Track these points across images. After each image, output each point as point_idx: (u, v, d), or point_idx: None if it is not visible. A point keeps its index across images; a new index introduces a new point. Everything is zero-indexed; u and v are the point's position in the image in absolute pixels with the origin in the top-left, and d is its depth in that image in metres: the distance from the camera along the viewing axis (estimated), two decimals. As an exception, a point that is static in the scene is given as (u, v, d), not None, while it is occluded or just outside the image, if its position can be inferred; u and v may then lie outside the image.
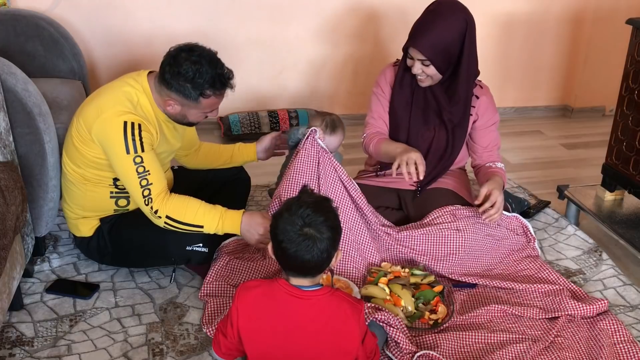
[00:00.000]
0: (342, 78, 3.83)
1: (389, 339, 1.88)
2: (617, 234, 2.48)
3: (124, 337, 1.95)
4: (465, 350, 1.89)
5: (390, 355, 1.85)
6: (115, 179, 2.10)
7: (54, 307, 2.07)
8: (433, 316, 2.02)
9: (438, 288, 2.13)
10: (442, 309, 2.04)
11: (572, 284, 2.21)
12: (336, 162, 2.24)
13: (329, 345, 1.52)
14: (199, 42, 2.02)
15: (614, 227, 2.52)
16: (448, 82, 2.33)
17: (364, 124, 2.51)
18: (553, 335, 1.95)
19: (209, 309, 2.03)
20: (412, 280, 2.15)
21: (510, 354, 1.87)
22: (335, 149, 2.36)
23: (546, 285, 2.16)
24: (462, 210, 2.33)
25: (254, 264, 2.23)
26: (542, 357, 1.87)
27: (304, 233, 1.46)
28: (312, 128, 2.21)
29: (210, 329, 1.94)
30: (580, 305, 2.04)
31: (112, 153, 1.98)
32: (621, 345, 1.91)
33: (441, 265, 2.22)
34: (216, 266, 2.19)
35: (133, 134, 1.95)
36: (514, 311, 2.05)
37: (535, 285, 2.17)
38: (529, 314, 2.04)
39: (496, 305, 2.06)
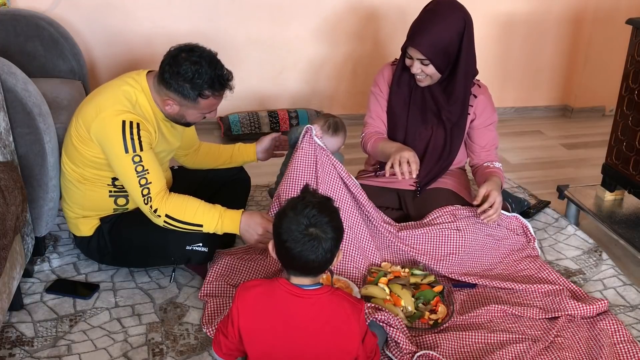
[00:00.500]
0: (342, 78, 3.84)
1: (389, 339, 1.88)
2: (617, 234, 2.48)
3: (124, 337, 1.95)
4: (465, 350, 1.89)
5: (390, 355, 1.85)
6: (114, 179, 2.10)
7: (54, 307, 2.07)
8: (433, 316, 2.02)
9: (438, 288, 2.13)
10: (442, 309, 2.04)
11: (572, 284, 2.21)
12: (335, 159, 2.24)
13: (330, 345, 1.53)
14: (199, 43, 2.02)
15: (614, 227, 2.52)
16: (446, 82, 2.33)
17: (363, 124, 2.52)
18: (553, 335, 1.95)
19: (209, 309, 2.03)
20: (412, 280, 2.15)
21: (510, 354, 1.86)
22: (335, 151, 2.36)
23: (546, 285, 2.16)
24: (462, 211, 2.33)
25: (254, 264, 2.23)
26: (542, 357, 1.87)
27: (309, 233, 1.46)
28: (308, 126, 2.22)
29: (210, 329, 1.94)
30: (580, 305, 2.04)
31: (110, 152, 1.98)
32: (621, 345, 1.91)
33: (441, 265, 2.22)
34: (216, 266, 2.19)
35: (132, 133, 1.95)
36: (514, 311, 2.05)
37: (535, 285, 2.17)
38: (529, 314, 2.04)
39: (496, 305, 2.06)
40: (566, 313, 2.04)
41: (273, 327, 1.52)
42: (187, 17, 3.47)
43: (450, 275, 2.21)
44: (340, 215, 1.55)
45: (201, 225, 2.03)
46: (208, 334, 1.94)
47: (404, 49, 2.29)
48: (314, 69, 3.78)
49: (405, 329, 1.89)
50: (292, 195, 2.08)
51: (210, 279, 2.15)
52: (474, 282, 2.19)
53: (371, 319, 1.87)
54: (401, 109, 2.41)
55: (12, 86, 1.98)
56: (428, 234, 2.26)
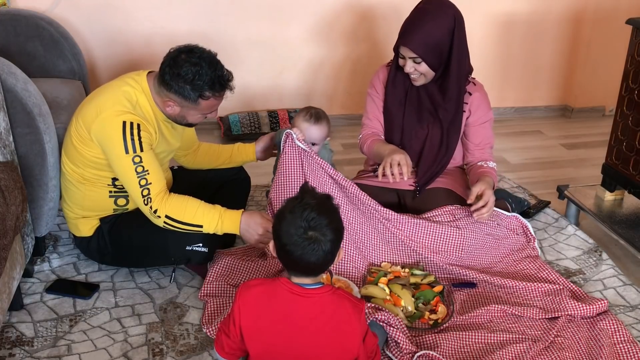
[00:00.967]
0: (341, 78, 3.84)
1: (389, 338, 1.88)
2: (617, 234, 2.48)
3: (124, 337, 1.95)
4: (465, 350, 1.89)
5: (390, 355, 1.85)
6: (114, 179, 2.10)
7: (54, 307, 2.07)
8: (433, 316, 2.02)
9: (438, 288, 2.13)
10: (442, 309, 2.05)
11: (572, 284, 2.21)
12: (320, 159, 2.24)
13: (331, 344, 1.53)
14: (199, 43, 2.02)
15: (614, 227, 2.52)
16: (440, 80, 2.34)
17: (361, 125, 2.53)
18: (553, 335, 1.95)
19: (209, 309, 2.03)
20: (412, 280, 2.15)
21: (510, 354, 1.86)
22: (321, 141, 2.35)
23: (546, 285, 2.16)
24: (462, 210, 2.33)
25: (254, 264, 2.23)
26: (542, 357, 1.87)
27: (309, 237, 1.45)
28: (287, 131, 2.22)
29: (211, 329, 1.94)
30: (580, 305, 2.04)
31: (111, 153, 1.98)
32: (621, 345, 1.91)
33: (439, 257, 2.22)
34: (216, 266, 2.19)
35: (132, 134, 1.95)
36: (514, 311, 2.05)
37: (535, 285, 2.17)
38: (529, 314, 2.04)
39: (496, 305, 2.06)
40: (566, 313, 2.04)
41: (274, 326, 1.52)
42: (187, 17, 3.47)
43: (448, 267, 2.21)
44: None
45: (201, 226, 2.03)
46: (208, 334, 1.94)
47: (396, 49, 2.30)
48: (313, 69, 3.78)
49: (405, 329, 1.89)
50: (281, 200, 2.07)
51: (210, 279, 2.15)
52: (473, 278, 2.19)
53: (371, 318, 1.87)
54: (397, 109, 2.42)
55: (12, 86, 1.98)
56: (428, 228, 2.25)
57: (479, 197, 2.22)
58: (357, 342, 1.54)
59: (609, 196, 2.71)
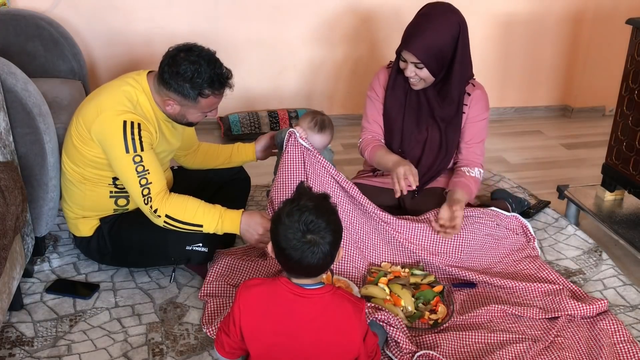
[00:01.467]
0: (341, 78, 3.84)
1: (389, 338, 1.88)
2: (617, 234, 2.48)
3: (124, 337, 1.95)
4: (465, 350, 1.89)
5: (390, 354, 1.85)
6: (115, 178, 2.10)
7: (54, 307, 2.07)
8: (433, 316, 2.02)
9: (438, 288, 2.13)
10: (442, 309, 2.05)
11: (572, 284, 2.21)
12: (323, 158, 2.23)
13: (331, 344, 1.52)
14: (197, 42, 2.02)
15: (614, 227, 2.52)
16: (440, 84, 2.34)
17: (361, 128, 2.53)
18: (553, 335, 1.95)
19: (209, 309, 2.03)
20: (412, 280, 2.15)
21: (510, 354, 1.87)
22: (322, 149, 2.35)
23: (546, 285, 2.16)
24: (462, 211, 2.33)
25: (254, 264, 2.23)
26: (542, 357, 1.87)
27: (308, 240, 1.44)
28: (290, 129, 2.21)
29: (211, 329, 1.94)
30: (580, 305, 2.04)
31: (111, 152, 1.98)
32: (621, 345, 1.91)
33: (438, 259, 2.22)
34: (216, 266, 2.19)
35: (132, 133, 1.95)
36: (514, 311, 2.05)
37: (535, 285, 2.17)
38: (529, 314, 2.04)
39: (496, 305, 2.06)
40: (566, 313, 2.04)
41: (275, 326, 1.52)
42: (187, 17, 3.47)
43: (448, 268, 2.21)
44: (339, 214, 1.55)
45: (201, 226, 2.03)
46: (208, 334, 1.94)
47: (398, 53, 2.30)
48: (313, 69, 3.78)
49: (405, 328, 1.89)
50: (283, 198, 2.07)
51: (210, 279, 2.15)
52: (473, 278, 2.19)
53: (371, 318, 1.87)
54: (396, 112, 2.42)
55: (12, 86, 1.98)
56: (427, 231, 2.26)
57: (450, 219, 2.21)
58: (357, 342, 1.54)
59: (609, 196, 2.71)
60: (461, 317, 2.02)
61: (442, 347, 1.89)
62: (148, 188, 1.98)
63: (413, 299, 2.07)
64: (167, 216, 2.00)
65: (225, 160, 2.52)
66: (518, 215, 2.46)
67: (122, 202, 2.17)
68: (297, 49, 3.69)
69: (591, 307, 2.04)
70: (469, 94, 2.38)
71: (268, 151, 2.51)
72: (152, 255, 2.19)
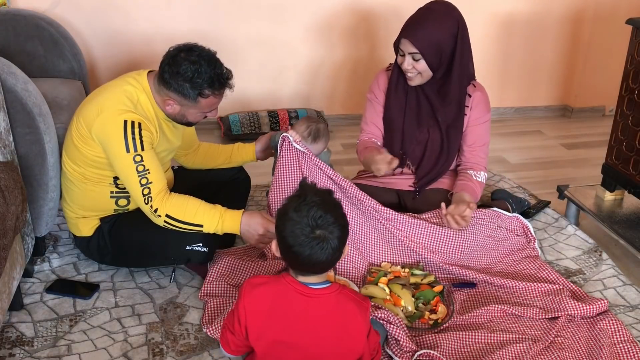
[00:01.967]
0: (342, 78, 3.84)
1: (389, 337, 1.88)
2: (617, 234, 2.48)
3: (124, 337, 1.95)
4: (465, 350, 1.89)
5: (390, 353, 1.85)
6: (116, 178, 2.10)
7: (54, 307, 2.07)
8: (433, 316, 2.02)
9: (438, 288, 2.13)
10: (442, 309, 2.04)
11: (572, 284, 2.21)
12: (319, 160, 2.23)
13: (336, 343, 1.52)
14: (198, 42, 2.02)
15: (614, 227, 2.51)
16: (440, 83, 2.34)
17: (360, 130, 2.56)
18: (553, 335, 1.95)
19: (209, 309, 2.03)
20: (412, 280, 2.15)
21: (510, 354, 1.87)
22: (316, 155, 2.34)
23: (546, 285, 2.16)
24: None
25: (254, 264, 2.23)
26: (542, 357, 1.87)
27: (317, 236, 1.43)
28: (284, 134, 2.21)
29: (211, 329, 1.94)
30: (580, 305, 2.04)
31: (112, 152, 1.98)
32: (621, 345, 1.91)
33: (438, 258, 2.22)
34: (216, 266, 2.19)
35: (133, 133, 1.95)
36: (514, 311, 2.05)
37: (535, 285, 2.17)
38: (529, 314, 2.04)
39: (496, 305, 2.06)
40: (566, 313, 2.04)
41: (280, 325, 1.51)
42: (187, 17, 3.47)
43: (448, 267, 2.21)
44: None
45: (201, 226, 2.03)
46: (208, 333, 1.94)
47: (396, 45, 2.30)
48: (313, 69, 3.78)
49: (405, 327, 1.89)
50: (280, 204, 2.05)
51: (210, 279, 2.15)
52: (473, 278, 2.19)
53: (371, 316, 1.87)
54: (397, 113, 2.42)
55: (12, 86, 1.98)
56: (428, 229, 2.25)
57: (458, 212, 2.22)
58: (362, 342, 1.54)
59: (609, 196, 2.71)
60: (461, 317, 2.02)
61: (442, 347, 1.89)
62: (148, 188, 1.98)
63: (413, 299, 2.06)
64: (167, 216, 2.00)
65: (225, 160, 2.52)
66: (519, 216, 2.46)
67: (122, 202, 2.17)
68: (297, 49, 3.69)
69: (591, 307, 2.04)
70: (470, 95, 2.39)
71: (268, 151, 2.51)
72: (152, 255, 2.19)
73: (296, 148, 2.20)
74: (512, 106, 4.18)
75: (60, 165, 2.18)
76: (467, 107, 2.39)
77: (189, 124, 2.15)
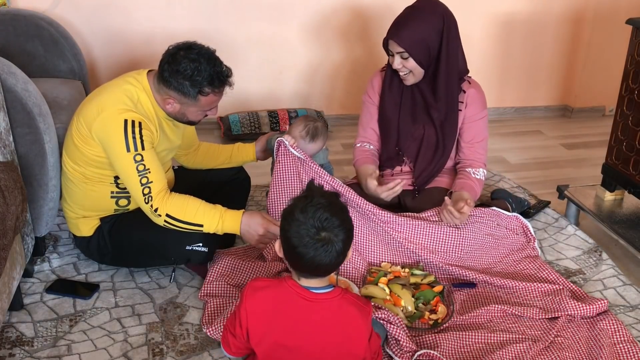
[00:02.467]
0: (341, 77, 3.84)
1: (389, 337, 1.88)
2: (617, 234, 2.48)
3: (124, 337, 1.95)
4: (465, 350, 1.89)
5: (390, 353, 1.85)
6: (116, 177, 2.10)
7: (54, 307, 2.07)
8: (433, 316, 2.02)
9: (438, 288, 2.13)
10: (442, 309, 2.04)
11: (572, 284, 2.21)
12: (315, 165, 2.24)
13: (338, 347, 1.52)
14: (197, 41, 2.02)
15: (614, 227, 2.52)
16: (432, 78, 2.36)
17: (357, 133, 2.58)
18: (553, 335, 1.95)
19: (209, 309, 2.03)
20: (412, 280, 2.15)
21: (510, 354, 1.87)
22: (314, 155, 2.35)
23: (546, 285, 2.16)
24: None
25: (254, 264, 2.23)
26: (542, 357, 1.87)
27: (322, 238, 1.42)
28: (279, 139, 2.21)
29: (211, 329, 1.94)
30: (580, 305, 2.04)
31: (112, 151, 1.98)
32: (621, 345, 1.91)
33: (437, 258, 2.22)
34: (216, 266, 2.19)
35: (133, 132, 1.95)
36: (514, 311, 2.05)
37: (535, 285, 2.17)
38: (529, 314, 2.04)
39: (496, 305, 2.06)
40: (566, 313, 2.04)
41: (282, 329, 1.51)
42: (187, 17, 3.47)
43: (447, 267, 2.21)
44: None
45: (202, 225, 2.03)
46: (208, 334, 1.94)
47: (385, 46, 2.31)
48: (313, 69, 3.78)
49: (405, 327, 1.89)
50: (279, 210, 2.05)
51: (210, 279, 2.15)
52: (473, 278, 2.19)
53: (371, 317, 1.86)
54: (392, 111, 2.43)
55: (12, 86, 1.98)
56: (426, 229, 2.26)
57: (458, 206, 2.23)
58: (364, 346, 1.54)
59: (609, 196, 2.71)
60: (461, 317, 2.02)
61: (442, 347, 1.89)
62: (149, 187, 1.98)
63: (413, 299, 2.06)
64: (167, 215, 2.00)
65: (226, 160, 2.52)
66: (518, 215, 2.46)
67: (123, 202, 2.17)
68: (296, 49, 3.69)
69: (591, 307, 2.04)
70: (464, 92, 2.39)
71: (268, 152, 2.51)
72: (152, 255, 2.19)
73: (292, 153, 2.20)
74: (512, 106, 4.18)
75: (60, 165, 2.18)
76: (462, 102, 2.39)
77: (189, 123, 2.15)
